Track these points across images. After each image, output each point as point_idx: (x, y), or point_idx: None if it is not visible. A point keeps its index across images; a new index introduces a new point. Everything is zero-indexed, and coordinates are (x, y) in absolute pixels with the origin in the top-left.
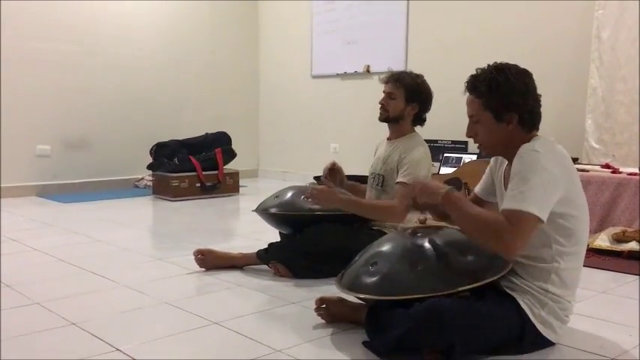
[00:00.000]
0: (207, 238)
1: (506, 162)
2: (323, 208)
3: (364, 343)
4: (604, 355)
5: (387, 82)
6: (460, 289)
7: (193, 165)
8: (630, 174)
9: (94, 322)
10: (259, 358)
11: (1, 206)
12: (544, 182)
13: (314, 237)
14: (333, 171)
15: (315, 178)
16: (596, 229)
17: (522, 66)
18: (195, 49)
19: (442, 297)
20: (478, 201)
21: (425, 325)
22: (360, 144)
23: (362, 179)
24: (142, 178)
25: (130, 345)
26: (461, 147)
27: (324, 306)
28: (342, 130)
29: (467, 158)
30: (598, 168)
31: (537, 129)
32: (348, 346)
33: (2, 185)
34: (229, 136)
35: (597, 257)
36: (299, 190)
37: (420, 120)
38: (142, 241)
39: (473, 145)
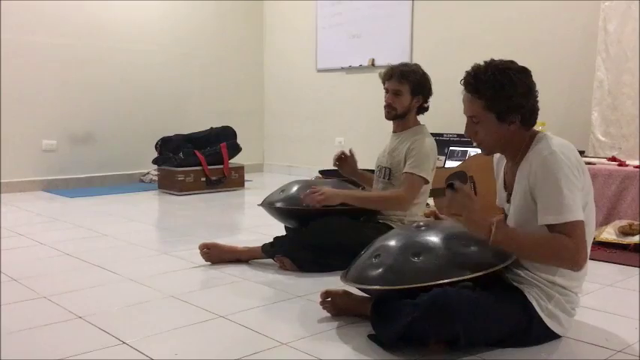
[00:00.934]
0: (212, 232)
1: (504, 161)
2: (329, 204)
3: (370, 336)
4: (609, 348)
5: (389, 78)
6: (464, 277)
7: (199, 159)
8: (637, 167)
9: (100, 315)
10: (265, 351)
11: (8, 201)
12: (573, 182)
13: (319, 230)
14: (342, 160)
15: (320, 172)
16: (603, 222)
17: (529, 59)
18: (201, 43)
19: (447, 287)
20: (503, 213)
21: (431, 314)
22: (365, 137)
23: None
24: (148, 173)
25: (136, 338)
26: (466, 140)
27: (329, 299)
28: (347, 123)
29: (472, 152)
30: (604, 161)
31: (534, 125)
32: (354, 339)
33: (9, 180)
34: (234, 131)
35: (603, 250)
36: (305, 185)
37: (423, 110)
38: (147, 235)
39: None
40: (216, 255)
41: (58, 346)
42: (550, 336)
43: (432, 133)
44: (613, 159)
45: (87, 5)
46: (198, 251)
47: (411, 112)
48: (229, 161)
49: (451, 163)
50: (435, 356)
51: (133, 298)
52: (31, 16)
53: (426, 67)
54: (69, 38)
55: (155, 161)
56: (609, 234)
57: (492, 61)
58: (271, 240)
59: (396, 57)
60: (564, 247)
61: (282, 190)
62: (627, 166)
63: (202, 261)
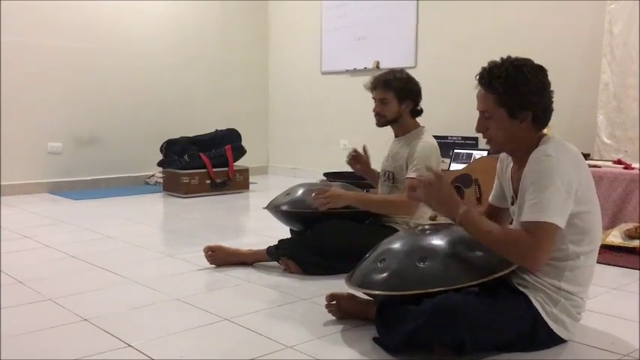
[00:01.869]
0: (217, 235)
1: (512, 162)
2: (335, 207)
3: (374, 339)
4: (616, 352)
5: (374, 87)
6: (470, 284)
7: (203, 162)
8: None
9: (105, 318)
10: (270, 354)
11: (14, 203)
12: (561, 188)
13: (324, 233)
14: (355, 159)
15: (325, 174)
16: (609, 226)
17: (535, 61)
18: (206, 46)
19: (452, 292)
20: (494, 210)
21: (435, 320)
22: (369, 140)
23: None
24: (153, 175)
25: (141, 341)
26: (471, 143)
27: (334, 302)
28: (351, 126)
29: (477, 154)
30: (610, 164)
31: (546, 127)
32: (359, 343)
33: (15, 182)
34: (239, 133)
35: (609, 253)
36: (310, 188)
37: (416, 112)
38: (152, 238)
39: (483, 141)
40: (220, 257)
41: (63, 349)
42: (556, 340)
43: (436, 136)
44: (619, 162)
45: (93, 9)
46: (203, 254)
47: (404, 117)
48: (234, 164)
49: (456, 166)
50: None
51: (138, 300)
52: (36, 20)
53: (430, 70)
54: (74, 41)
55: (160, 164)
56: (615, 237)
57: (509, 57)
58: (276, 242)
59: (400, 59)
60: (521, 243)
61: (288, 193)
62: (633, 169)
63: (207, 263)
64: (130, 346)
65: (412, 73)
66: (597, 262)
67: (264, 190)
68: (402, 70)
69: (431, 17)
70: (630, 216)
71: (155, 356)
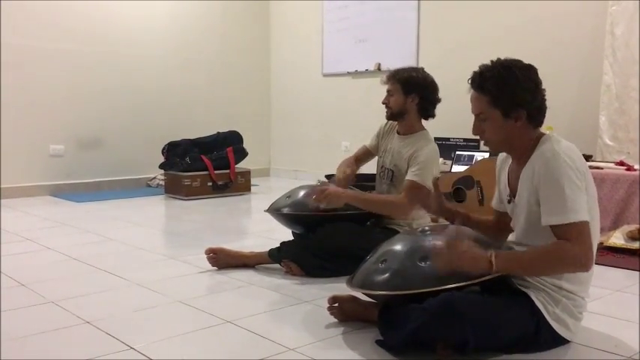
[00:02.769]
0: (219, 237)
1: (510, 160)
2: (333, 206)
3: (377, 342)
4: (619, 354)
5: (386, 81)
6: (471, 282)
7: (205, 164)
8: None
9: (107, 320)
10: (272, 357)
11: (16, 206)
12: (576, 184)
13: (326, 236)
14: (346, 179)
15: (327, 176)
16: (611, 227)
17: (536, 63)
18: (207, 48)
19: (455, 292)
20: (501, 215)
21: (439, 319)
22: None
23: (372, 178)
24: (155, 178)
25: (143, 343)
26: (473, 145)
27: (336, 304)
28: (353, 128)
29: (479, 156)
30: (612, 165)
31: (542, 125)
32: (361, 345)
33: (16, 185)
34: (241, 135)
35: (612, 255)
36: (311, 190)
37: (425, 111)
38: (154, 240)
39: None
40: (222, 260)
41: (65, 352)
42: (558, 341)
43: (438, 138)
44: (621, 163)
45: (94, 11)
46: (205, 256)
47: (410, 113)
48: (236, 166)
49: (458, 168)
50: None
51: (140, 303)
52: (37, 22)
53: (432, 71)
54: (76, 44)
55: (162, 166)
56: (617, 239)
57: (498, 59)
58: (278, 245)
59: (402, 61)
60: (568, 253)
61: (289, 195)
62: (635, 170)
63: (209, 266)
64: (132, 348)
65: None
66: (600, 264)
67: (266, 192)
68: (417, 68)
69: (432, 19)
70: (633, 218)
71: (157, 359)
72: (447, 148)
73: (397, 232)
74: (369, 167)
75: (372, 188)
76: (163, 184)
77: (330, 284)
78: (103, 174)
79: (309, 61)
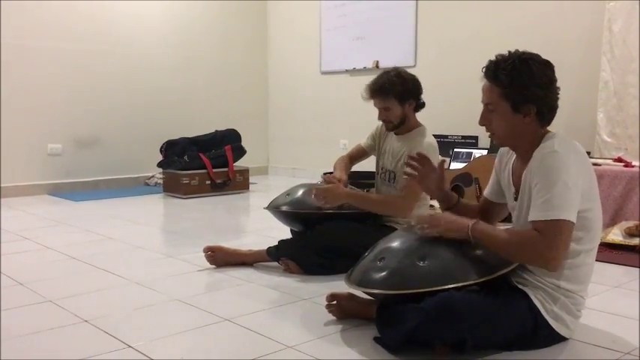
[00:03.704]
0: (217, 235)
1: (514, 157)
2: (332, 205)
3: (375, 339)
4: (616, 350)
5: (372, 97)
6: (470, 282)
7: (203, 162)
8: None
9: (106, 319)
10: (270, 355)
11: (14, 205)
12: (569, 184)
13: (325, 234)
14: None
15: (325, 174)
16: (609, 224)
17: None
18: (205, 47)
19: (453, 291)
20: (488, 205)
21: (436, 318)
22: None
23: (367, 176)
24: (153, 176)
25: (141, 342)
26: (471, 142)
27: (334, 302)
28: (351, 126)
29: (477, 153)
30: (610, 162)
31: (550, 124)
32: (359, 342)
33: (15, 184)
34: (239, 134)
35: (610, 252)
36: (310, 188)
37: (419, 108)
38: (152, 239)
39: (483, 140)
40: (221, 258)
41: (64, 350)
42: (556, 338)
43: (436, 135)
44: (619, 160)
45: (92, 10)
46: (203, 254)
47: (409, 117)
48: (234, 164)
49: (456, 165)
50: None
51: (138, 301)
52: (35, 21)
53: (429, 69)
54: (74, 43)
55: (160, 164)
56: (615, 235)
57: (517, 51)
58: (276, 243)
59: (400, 59)
60: (533, 245)
61: (288, 193)
62: (633, 167)
63: (207, 264)
64: (130, 347)
65: (412, 72)
66: (598, 260)
67: (264, 190)
68: (394, 70)
69: (430, 17)
70: (631, 214)
71: (156, 357)
72: (445, 145)
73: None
74: (366, 165)
75: (368, 186)
76: (162, 182)
77: (329, 282)
78: (101, 173)
79: (308, 59)
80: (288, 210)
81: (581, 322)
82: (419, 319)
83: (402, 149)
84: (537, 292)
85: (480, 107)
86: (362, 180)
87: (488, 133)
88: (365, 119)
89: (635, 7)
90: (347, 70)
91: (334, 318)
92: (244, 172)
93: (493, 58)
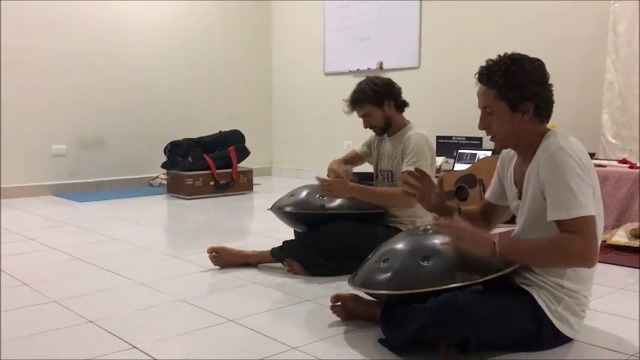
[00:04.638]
0: (221, 236)
1: (516, 158)
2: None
3: (380, 341)
4: (622, 352)
5: (352, 109)
6: (473, 282)
7: (207, 163)
8: None
9: (110, 319)
10: (275, 356)
11: (19, 205)
12: (581, 179)
13: (329, 234)
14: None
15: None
16: (614, 225)
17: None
18: (209, 47)
19: (457, 291)
20: (490, 207)
21: (441, 319)
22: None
23: (365, 177)
24: (157, 177)
25: (146, 342)
26: (475, 143)
27: (339, 303)
28: (355, 127)
29: (481, 154)
30: (615, 163)
31: (549, 119)
32: (364, 344)
33: (19, 185)
34: (243, 135)
35: (615, 253)
36: (314, 189)
37: (401, 106)
38: (156, 239)
39: (487, 142)
40: (224, 259)
41: (68, 351)
42: (561, 339)
43: (440, 136)
44: (624, 161)
45: (96, 11)
46: (207, 255)
47: (394, 118)
48: (238, 165)
49: (460, 166)
50: None
51: (143, 302)
52: (39, 22)
53: (434, 70)
54: (78, 44)
55: (164, 165)
56: (620, 237)
57: (505, 53)
58: (280, 244)
59: (404, 60)
60: (572, 246)
61: (292, 194)
62: (638, 168)
63: (211, 265)
64: (135, 347)
65: (416, 73)
66: (603, 262)
67: (268, 191)
68: (366, 79)
69: (434, 18)
70: (636, 215)
71: (160, 358)
72: (450, 146)
73: (399, 231)
74: (367, 167)
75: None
76: (165, 183)
77: (333, 283)
78: (105, 173)
79: (311, 60)
80: (292, 211)
81: (586, 323)
82: (424, 319)
83: (395, 149)
84: (541, 292)
85: None
86: (363, 181)
87: (490, 137)
88: None
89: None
90: (351, 71)
91: (338, 319)
92: (248, 173)
93: (486, 60)
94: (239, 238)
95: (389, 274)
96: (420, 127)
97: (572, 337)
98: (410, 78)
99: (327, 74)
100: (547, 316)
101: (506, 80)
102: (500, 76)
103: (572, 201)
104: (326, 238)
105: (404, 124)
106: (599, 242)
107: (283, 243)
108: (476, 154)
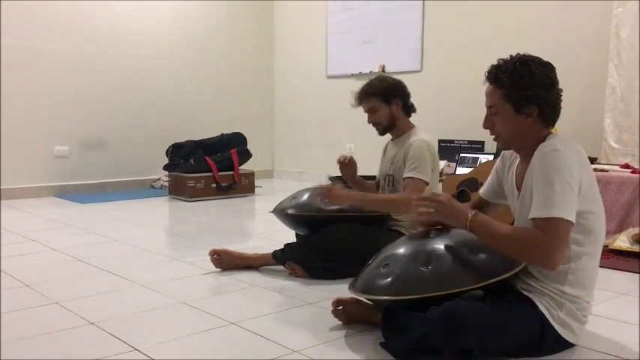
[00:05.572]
0: (223, 239)
1: (518, 159)
2: (337, 205)
3: (381, 344)
4: (624, 358)
5: (359, 103)
6: (474, 287)
7: (209, 165)
8: None
9: (112, 321)
10: (276, 359)
11: (20, 207)
12: (570, 182)
13: (331, 237)
14: (347, 165)
15: (330, 178)
16: (616, 230)
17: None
18: (211, 49)
19: (459, 299)
20: (483, 203)
21: (442, 328)
22: (375, 144)
23: (369, 179)
24: (159, 179)
25: (147, 344)
26: (477, 147)
27: (340, 307)
28: (357, 130)
29: (483, 158)
30: (617, 168)
31: (555, 124)
32: (365, 348)
33: (21, 186)
34: (245, 137)
35: (617, 258)
36: (315, 192)
37: (408, 109)
38: (158, 241)
39: (489, 145)
40: (226, 261)
41: (70, 353)
42: (563, 345)
43: (442, 140)
44: (626, 166)
45: (99, 12)
46: (209, 257)
47: (399, 118)
48: (240, 167)
49: (462, 170)
50: None
51: (144, 304)
52: (41, 23)
53: (436, 74)
54: (81, 45)
55: (166, 167)
56: (623, 242)
57: (517, 54)
58: (282, 246)
59: (406, 63)
60: (537, 242)
61: (294, 197)
62: None
63: (213, 267)
64: (136, 349)
65: (418, 77)
66: (605, 267)
67: (270, 193)
68: (379, 76)
69: (436, 21)
70: (638, 220)
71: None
72: (452, 150)
73: (401, 234)
74: (376, 169)
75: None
76: (167, 185)
77: (334, 286)
78: (107, 175)
79: (314, 63)
80: (294, 213)
81: (589, 329)
82: (424, 328)
83: (398, 153)
84: (543, 298)
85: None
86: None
87: (493, 137)
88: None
89: None
90: (353, 74)
91: (340, 323)
92: (250, 176)
93: (498, 59)
94: (241, 240)
95: (389, 280)
96: (424, 131)
97: (574, 343)
98: (412, 81)
99: (330, 77)
100: (549, 321)
101: (512, 82)
102: (507, 78)
103: (550, 201)
104: (328, 240)
105: (409, 128)
106: (600, 253)
107: (285, 245)
108: (478, 157)
